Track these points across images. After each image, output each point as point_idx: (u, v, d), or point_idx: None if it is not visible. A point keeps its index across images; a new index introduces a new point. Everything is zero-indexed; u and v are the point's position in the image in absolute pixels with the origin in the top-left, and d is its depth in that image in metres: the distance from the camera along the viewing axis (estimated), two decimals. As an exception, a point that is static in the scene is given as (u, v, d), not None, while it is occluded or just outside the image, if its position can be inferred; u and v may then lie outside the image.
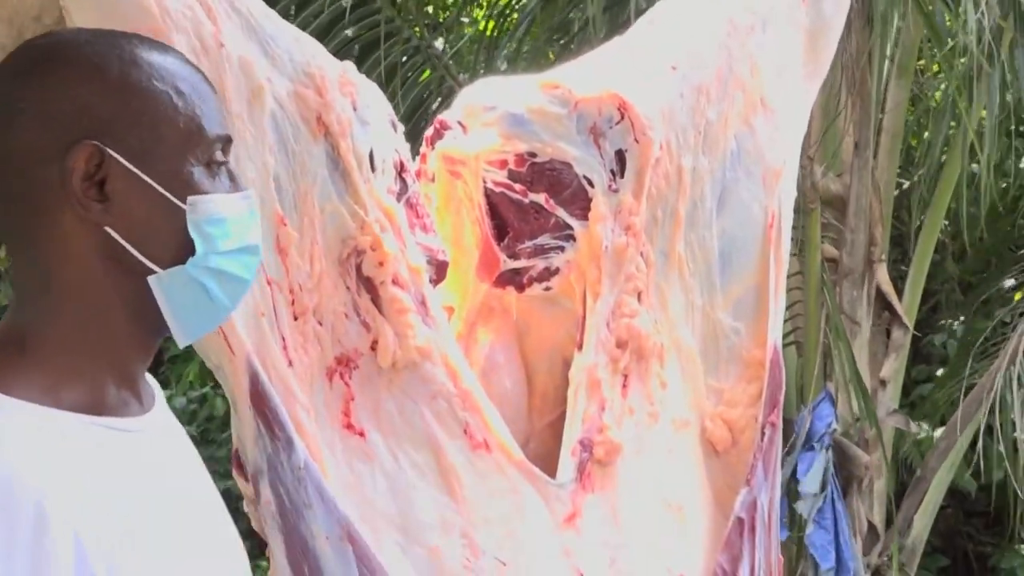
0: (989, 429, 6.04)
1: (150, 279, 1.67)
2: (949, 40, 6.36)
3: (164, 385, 9.24)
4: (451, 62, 6.94)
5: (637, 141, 2.57)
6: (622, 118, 2.57)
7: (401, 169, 2.45)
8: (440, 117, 2.66)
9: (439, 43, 7.14)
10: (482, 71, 6.53)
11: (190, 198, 1.67)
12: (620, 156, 2.57)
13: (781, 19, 2.75)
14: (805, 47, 2.79)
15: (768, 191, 2.71)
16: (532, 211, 2.57)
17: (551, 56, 6.63)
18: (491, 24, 7.17)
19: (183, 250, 1.68)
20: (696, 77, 2.65)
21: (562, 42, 6.78)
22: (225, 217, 1.70)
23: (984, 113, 6.01)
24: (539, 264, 2.59)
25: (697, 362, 2.65)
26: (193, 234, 1.68)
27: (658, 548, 2.53)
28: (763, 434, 2.61)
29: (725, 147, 2.68)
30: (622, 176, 2.58)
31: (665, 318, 2.62)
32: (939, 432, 6.62)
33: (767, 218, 2.70)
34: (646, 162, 2.57)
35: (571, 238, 2.58)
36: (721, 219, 2.68)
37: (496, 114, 2.58)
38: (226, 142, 1.73)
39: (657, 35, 2.71)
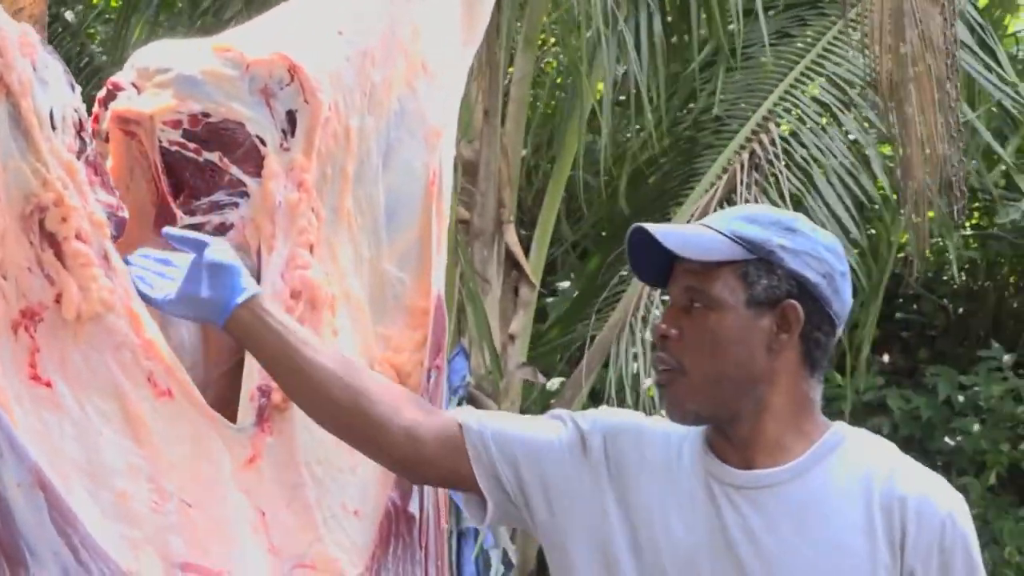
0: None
1: None
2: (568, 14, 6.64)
3: None
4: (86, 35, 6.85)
5: (307, 102, 2.66)
6: (292, 80, 2.66)
7: (80, 128, 2.47)
8: (113, 78, 2.69)
9: (69, 15, 7.01)
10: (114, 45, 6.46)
11: None
12: (291, 116, 2.66)
13: (440, -12, 2.88)
14: (462, 15, 2.93)
15: (430, 150, 2.84)
16: (207, 169, 2.63)
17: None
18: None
19: None
20: (361, 42, 2.75)
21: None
22: None
23: (601, 86, 6.31)
24: (215, 219, 2.65)
25: (366, 311, 2.76)
26: None
27: (334, 486, 2.63)
28: (429, 377, 2.75)
29: (389, 108, 2.80)
30: (293, 135, 2.67)
31: (335, 269, 2.72)
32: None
33: (429, 175, 2.84)
34: (316, 122, 2.67)
35: (245, 195, 2.65)
36: (387, 176, 2.80)
37: (170, 75, 2.63)
38: None
39: (323, 2, 2.80)
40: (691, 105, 7.87)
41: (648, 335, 6.37)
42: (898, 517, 2.29)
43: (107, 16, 7.62)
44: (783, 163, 6.37)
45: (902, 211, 6.53)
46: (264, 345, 2.42)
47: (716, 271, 2.34)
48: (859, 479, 2.33)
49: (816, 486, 2.33)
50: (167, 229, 2.51)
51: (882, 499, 2.31)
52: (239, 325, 2.42)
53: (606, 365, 6.38)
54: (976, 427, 9.04)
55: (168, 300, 2.44)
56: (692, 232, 2.40)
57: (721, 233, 2.36)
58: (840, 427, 2.40)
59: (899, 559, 2.29)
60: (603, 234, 8.19)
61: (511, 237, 6.34)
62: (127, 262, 2.46)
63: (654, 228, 2.37)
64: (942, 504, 2.32)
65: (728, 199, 6.15)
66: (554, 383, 7.29)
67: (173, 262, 2.47)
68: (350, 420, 2.42)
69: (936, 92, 5.69)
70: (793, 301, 2.34)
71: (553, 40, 7.82)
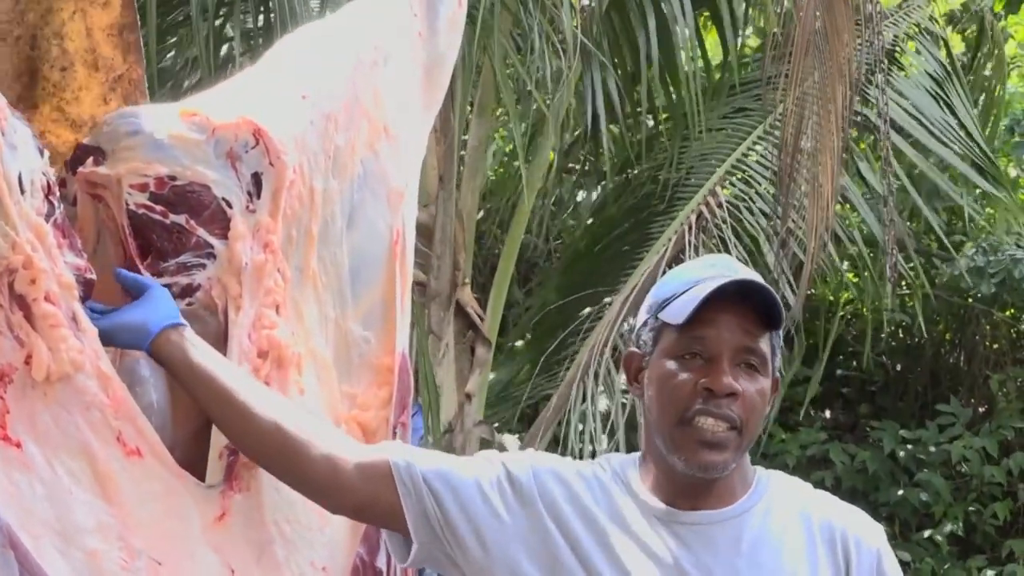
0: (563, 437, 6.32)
1: None
2: (515, 85, 6.65)
3: None
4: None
5: (272, 165, 2.63)
6: (257, 143, 2.63)
7: (48, 192, 2.43)
8: (81, 142, 2.65)
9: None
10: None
11: None
12: (256, 179, 2.63)
13: (401, 55, 2.87)
14: (422, 80, 2.92)
15: (393, 211, 2.82)
16: (174, 231, 2.59)
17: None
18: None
19: None
20: (325, 106, 2.73)
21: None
22: None
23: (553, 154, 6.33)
24: (182, 281, 2.60)
25: (331, 369, 2.73)
26: None
27: (302, 543, 2.59)
28: (395, 434, 2.72)
29: (353, 170, 2.77)
30: (259, 197, 2.63)
31: (301, 329, 2.68)
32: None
33: (392, 235, 2.81)
34: (281, 184, 2.64)
35: (212, 256, 2.61)
36: (351, 237, 2.77)
37: (137, 139, 2.58)
38: None
39: (287, 67, 2.78)
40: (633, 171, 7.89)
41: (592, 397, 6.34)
42: (840, 547, 2.38)
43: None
44: (730, 229, 6.39)
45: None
46: (187, 370, 2.44)
47: (764, 334, 2.38)
48: (795, 514, 2.41)
49: (759, 522, 2.39)
50: (120, 271, 2.52)
51: (822, 531, 2.39)
52: (162, 350, 2.44)
53: (560, 424, 6.36)
54: (930, 481, 9.10)
55: (100, 325, 2.43)
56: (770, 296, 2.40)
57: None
58: (760, 469, 2.48)
59: None
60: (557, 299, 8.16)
61: (467, 298, 6.32)
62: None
63: (757, 285, 2.37)
64: (874, 535, 2.44)
65: (676, 259, 6.15)
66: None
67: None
68: (271, 441, 2.41)
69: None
70: (779, 374, 2.44)
71: (502, 111, 7.84)
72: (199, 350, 2.45)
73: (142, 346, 2.45)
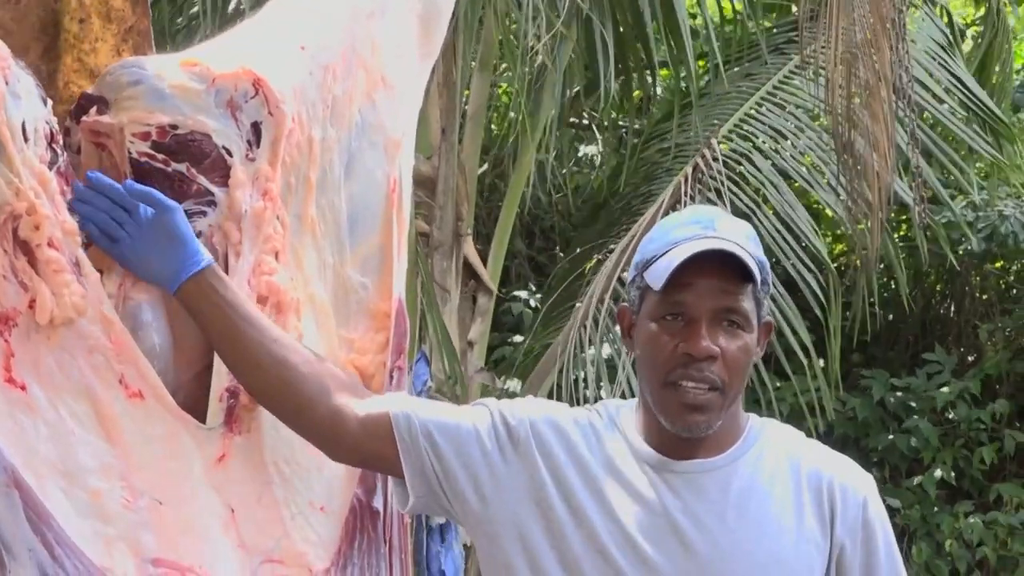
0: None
1: None
2: (517, 41, 6.60)
3: None
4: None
5: (271, 114, 2.61)
6: (257, 93, 2.60)
7: (51, 140, 2.41)
8: (84, 92, 2.62)
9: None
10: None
11: None
12: (256, 128, 2.60)
13: (398, 5, 2.83)
14: (419, 31, 2.89)
15: (390, 159, 2.79)
16: (176, 179, 2.56)
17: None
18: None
19: None
20: (324, 56, 2.70)
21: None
22: None
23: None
24: (183, 228, 2.58)
25: (330, 315, 2.71)
26: None
27: (301, 484, 2.58)
28: (392, 377, 2.70)
29: (351, 120, 2.74)
30: (258, 146, 2.61)
31: (300, 275, 2.66)
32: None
33: (389, 184, 2.79)
34: (280, 133, 2.61)
35: (213, 203, 2.58)
36: (348, 185, 2.75)
37: (139, 89, 2.55)
38: None
39: (286, 18, 2.75)
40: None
41: (588, 346, 6.32)
42: (827, 496, 2.35)
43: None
44: (725, 179, 6.34)
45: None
46: (208, 318, 2.44)
47: (744, 292, 2.32)
48: (785, 462, 2.38)
49: (749, 471, 2.36)
50: (129, 182, 2.46)
51: (809, 480, 2.36)
52: (188, 296, 2.43)
53: (563, 370, 6.35)
54: (919, 427, 9.12)
55: (125, 259, 2.43)
56: (745, 255, 2.33)
57: (750, 255, 2.33)
58: (754, 417, 2.44)
59: (830, 535, 2.34)
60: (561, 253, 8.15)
61: (469, 248, 6.31)
62: (78, 191, 2.42)
63: (732, 249, 2.30)
64: (861, 484, 2.39)
65: (673, 208, 6.12)
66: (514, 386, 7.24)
67: (130, 215, 2.43)
68: (279, 395, 2.42)
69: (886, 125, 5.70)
70: (770, 318, 2.39)
71: (505, 65, 7.78)
72: (220, 297, 2.42)
73: (167, 288, 2.44)
